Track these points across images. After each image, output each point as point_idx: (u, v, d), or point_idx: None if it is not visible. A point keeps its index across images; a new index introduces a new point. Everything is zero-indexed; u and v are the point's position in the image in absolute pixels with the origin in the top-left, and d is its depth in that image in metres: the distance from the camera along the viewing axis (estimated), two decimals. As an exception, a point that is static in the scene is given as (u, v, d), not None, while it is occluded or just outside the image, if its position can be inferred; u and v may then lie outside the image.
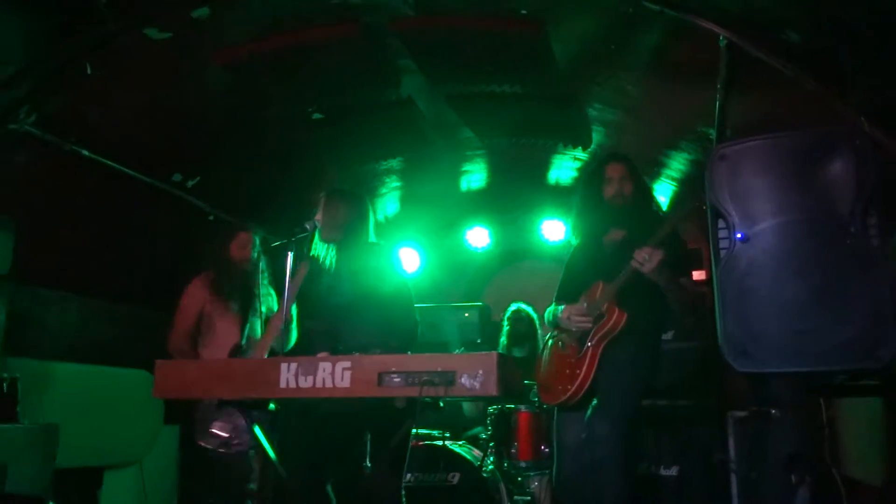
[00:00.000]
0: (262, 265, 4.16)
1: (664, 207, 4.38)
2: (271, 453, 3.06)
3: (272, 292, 4.22)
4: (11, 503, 2.22)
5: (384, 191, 6.07)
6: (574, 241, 3.64)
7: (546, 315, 3.58)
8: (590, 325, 3.24)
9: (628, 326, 3.18)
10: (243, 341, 3.97)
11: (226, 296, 4.05)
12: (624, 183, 3.38)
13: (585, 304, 3.30)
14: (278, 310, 3.78)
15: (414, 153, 5.38)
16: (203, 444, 3.86)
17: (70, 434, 3.77)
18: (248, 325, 4.03)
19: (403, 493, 3.22)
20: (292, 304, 3.50)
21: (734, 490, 4.00)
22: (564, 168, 5.71)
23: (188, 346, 4.01)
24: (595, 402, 3.15)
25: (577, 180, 3.73)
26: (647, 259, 3.01)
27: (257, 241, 4.19)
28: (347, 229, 3.48)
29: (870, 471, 3.18)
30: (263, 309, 4.12)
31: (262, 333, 4.04)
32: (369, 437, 3.24)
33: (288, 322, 3.69)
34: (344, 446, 3.29)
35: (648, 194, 3.58)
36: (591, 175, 3.60)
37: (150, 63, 3.76)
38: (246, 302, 4.07)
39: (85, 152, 3.89)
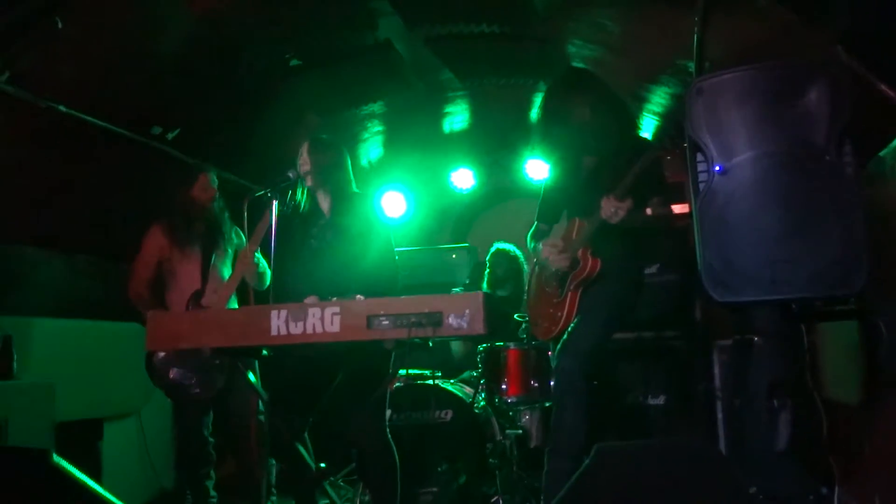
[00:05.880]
0: (222, 204, 4.18)
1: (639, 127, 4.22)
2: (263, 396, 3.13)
3: (241, 234, 4.17)
4: (17, 455, 2.26)
5: (367, 136, 6.04)
6: (549, 164, 3.61)
7: (528, 238, 3.58)
8: (567, 262, 3.22)
9: (602, 271, 3.19)
10: (204, 285, 3.98)
11: (186, 240, 4.04)
12: (583, 108, 3.25)
13: (562, 241, 3.30)
14: (244, 249, 3.81)
15: (395, 97, 5.33)
16: (164, 387, 3.88)
17: (67, 388, 3.83)
18: (210, 268, 4.03)
19: (389, 431, 3.30)
20: (257, 247, 3.64)
21: (720, 417, 4.13)
22: (546, 106, 5.68)
23: (148, 293, 4.00)
24: (564, 336, 3.20)
25: (541, 101, 3.59)
26: (614, 213, 2.97)
27: (216, 182, 4.18)
28: (328, 178, 3.50)
29: (848, 392, 3.28)
30: (230, 249, 4.14)
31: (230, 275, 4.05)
32: (350, 378, 3.31)
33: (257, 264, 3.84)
34: (324, 389, 3.35)
35: (616, 115, 3.32)
36: (553, 98, 3.42)
37: (125, 14, 3.69)
38: (208, 244, 4.07)
39: (61, 108, 3.85)
